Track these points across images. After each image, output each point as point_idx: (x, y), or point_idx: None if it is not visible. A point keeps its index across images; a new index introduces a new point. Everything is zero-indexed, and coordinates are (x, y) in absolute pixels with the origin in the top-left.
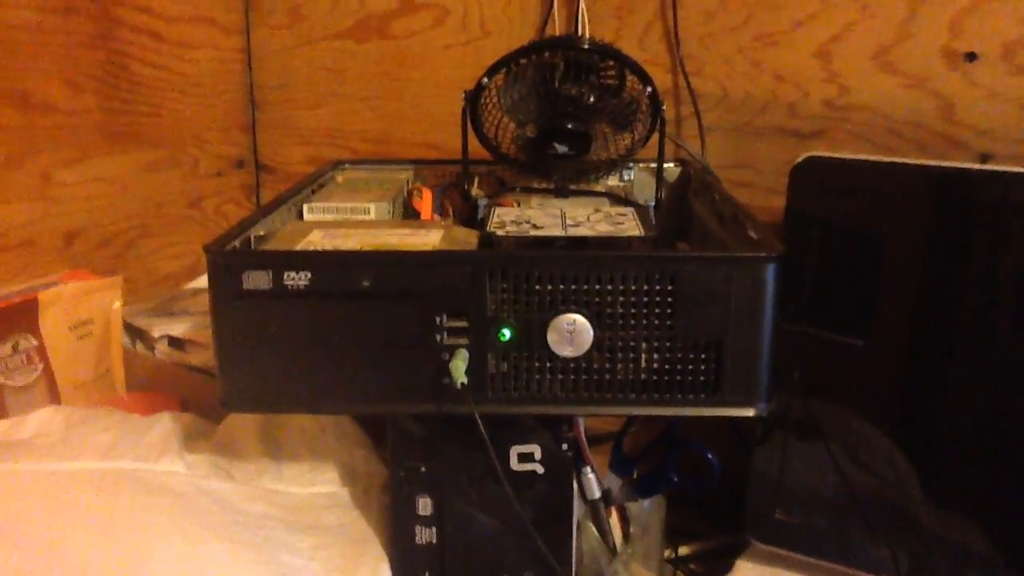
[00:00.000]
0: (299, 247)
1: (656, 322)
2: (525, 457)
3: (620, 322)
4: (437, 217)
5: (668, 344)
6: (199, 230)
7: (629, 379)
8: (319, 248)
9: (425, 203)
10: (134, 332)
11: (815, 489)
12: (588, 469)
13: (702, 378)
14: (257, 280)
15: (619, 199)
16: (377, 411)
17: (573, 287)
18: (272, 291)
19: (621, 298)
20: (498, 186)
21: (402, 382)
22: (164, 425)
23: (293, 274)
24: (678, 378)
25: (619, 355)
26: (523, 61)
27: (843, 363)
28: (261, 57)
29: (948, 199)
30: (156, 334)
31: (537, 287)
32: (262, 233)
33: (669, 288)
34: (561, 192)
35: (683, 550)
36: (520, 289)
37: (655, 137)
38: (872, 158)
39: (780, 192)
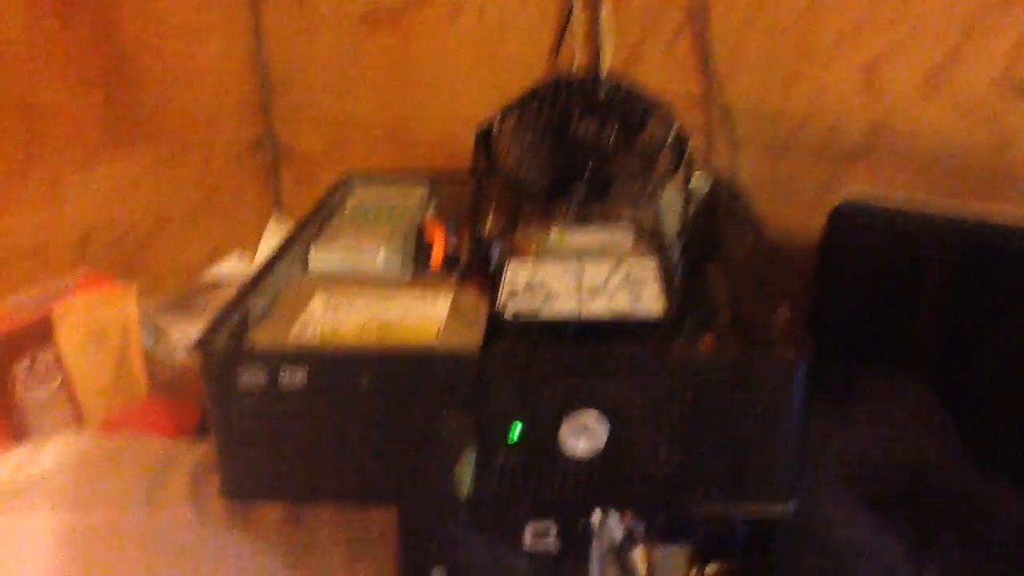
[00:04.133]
0: (299, 321)
1: (674, 421)
2: (541, 532)
3: (635, 420)
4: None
5: (687, 442)
6: (216, 218)
7: (645, 477)
8: (318, 327)
9: (437, 245)
10: (153, 333)
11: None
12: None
13: (722, 476)
14: (252, 377)
15: (644, 233)
16: (382, 504)
17: (585, 384)
18: (268, 387)
19: (638, 396)
20: (514, 211)
21: (406, 478)
22: (181, 466)
23: (289, 371)
24: (697, 476)
25: (634, 452)
26: (535, 104)
27: None
28: (272, 42)
29: (988, 253)
30: (175, 335)
31: (547, 384)
32: (260, 304)
33: (687, 387)
34: (581, 220)
35: None
36: (528, 387)
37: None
38: (911, 208)
39: (814, 213)
